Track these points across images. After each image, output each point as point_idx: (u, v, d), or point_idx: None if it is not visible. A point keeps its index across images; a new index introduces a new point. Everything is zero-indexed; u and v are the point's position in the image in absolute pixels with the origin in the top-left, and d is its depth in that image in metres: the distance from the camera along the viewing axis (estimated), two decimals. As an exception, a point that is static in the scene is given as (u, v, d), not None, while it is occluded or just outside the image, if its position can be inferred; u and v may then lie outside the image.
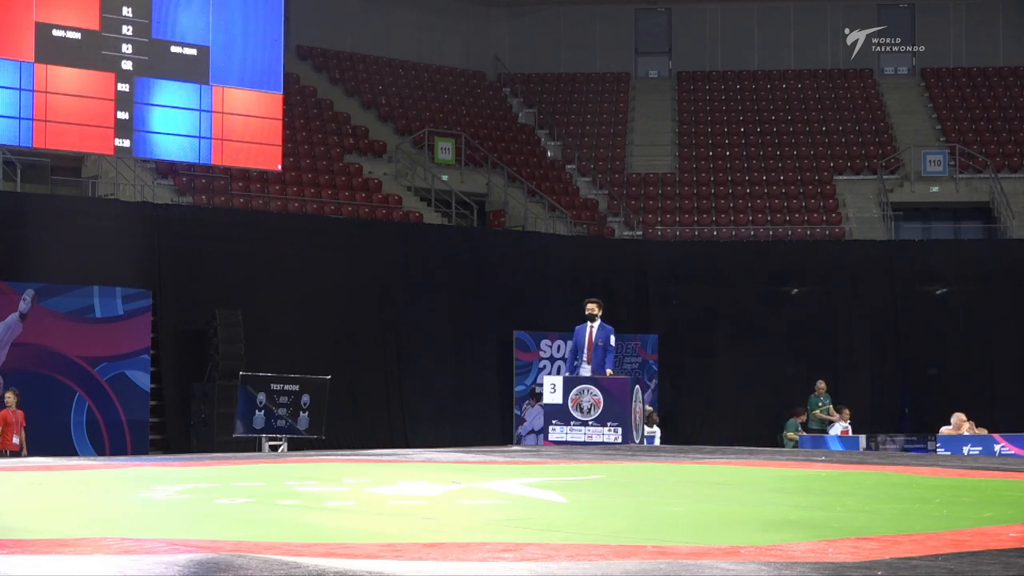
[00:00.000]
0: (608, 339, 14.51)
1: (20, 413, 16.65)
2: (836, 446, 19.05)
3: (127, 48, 18.36)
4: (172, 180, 22.53)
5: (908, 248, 26.09)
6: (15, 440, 16.43)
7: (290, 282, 20.57)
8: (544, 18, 33.96)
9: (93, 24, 18.10)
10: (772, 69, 33.26)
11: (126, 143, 18.49)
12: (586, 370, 14.33)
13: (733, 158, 30.34)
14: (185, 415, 19.41)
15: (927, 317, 24.47)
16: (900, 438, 21.83)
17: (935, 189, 29.03)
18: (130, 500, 6.93)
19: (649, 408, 19.55)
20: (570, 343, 14.92)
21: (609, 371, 14.35)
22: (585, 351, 14.40)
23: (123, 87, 18.31)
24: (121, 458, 14.13)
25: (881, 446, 20.38)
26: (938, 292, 24.90)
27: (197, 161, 19.70)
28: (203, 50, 19.01)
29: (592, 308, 14.44)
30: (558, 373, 21.08)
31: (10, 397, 16.56)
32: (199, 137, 19.03)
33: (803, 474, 9.07)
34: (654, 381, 23.71)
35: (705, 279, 24.63)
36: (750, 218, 28.14)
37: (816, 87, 32.97)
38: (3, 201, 18.97)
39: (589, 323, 14.44)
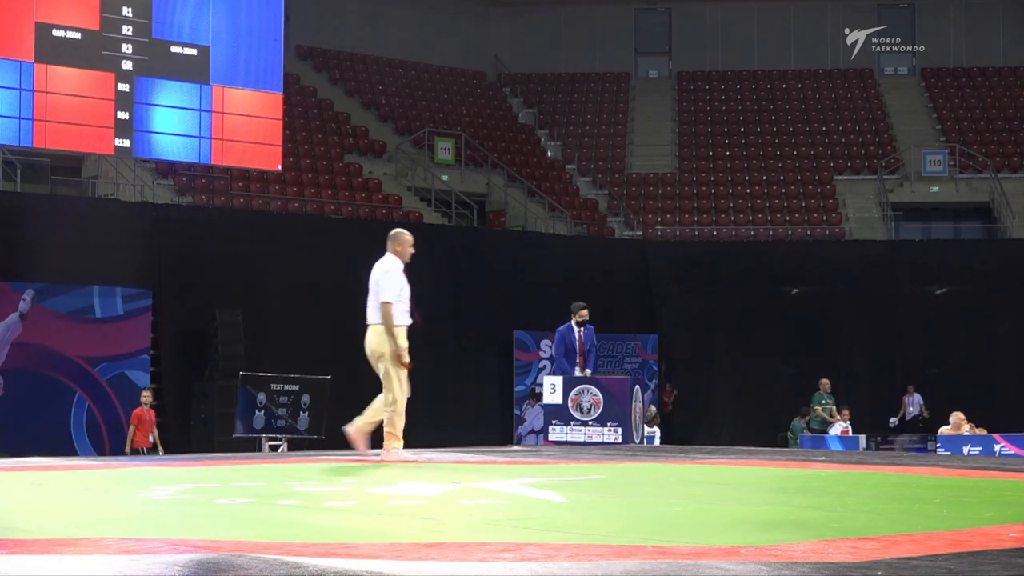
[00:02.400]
0: (594, 341, 14.67)
1: (152, 412, 16.93)
2: (836, 446, 19.05)
3: (127, 48, 18.36)
4: (172, 180, 22.53)
5: (908, 248, 26.11)
6: (149, 438, 16.77)
7: (290, 282, 20.56)
8: (544, 18, 33.96)
9: (93, 24, 18.10)
10: (772, 69, 33.26)
11: (126, 143, 18.49)
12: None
13: (733, 158, 30.34)
14: (185, 415, 19.40)
15: (927, 317, 24.48)
16: (901, 438, 21.84)
17: (935, 189, 29.04)
18: (130, 500, 6.92)
19: (652, 408, 19.55)
20: (557, 345, 14.90)
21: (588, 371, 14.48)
22: (578, 355, 14.47)
23: (123, 87, 18.31)
24: (121, 458, 14.13)
25: (880, 446, 20.40)
26: (938, 292, 24.91)
27: (197, 161, 19.70)
28: (203, 50, 19.01)
29: (585, 314, 14.52)
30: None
31: (146, 396, 16.86)
32: (199, 137, 19.03)
33: (803, 474, 9.06)
34: (654, 381, 23.71)
35: (705, 279, 24.63)
36: (750, 218, 28.14)
37: (816, 87, 32.97)
38: (3, 201, 18.97)
39: (578, 327, 14.49)
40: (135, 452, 16.49)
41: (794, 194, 28.89)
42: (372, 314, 9.86)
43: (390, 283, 9.80)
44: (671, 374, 24.62)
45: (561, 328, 14.68)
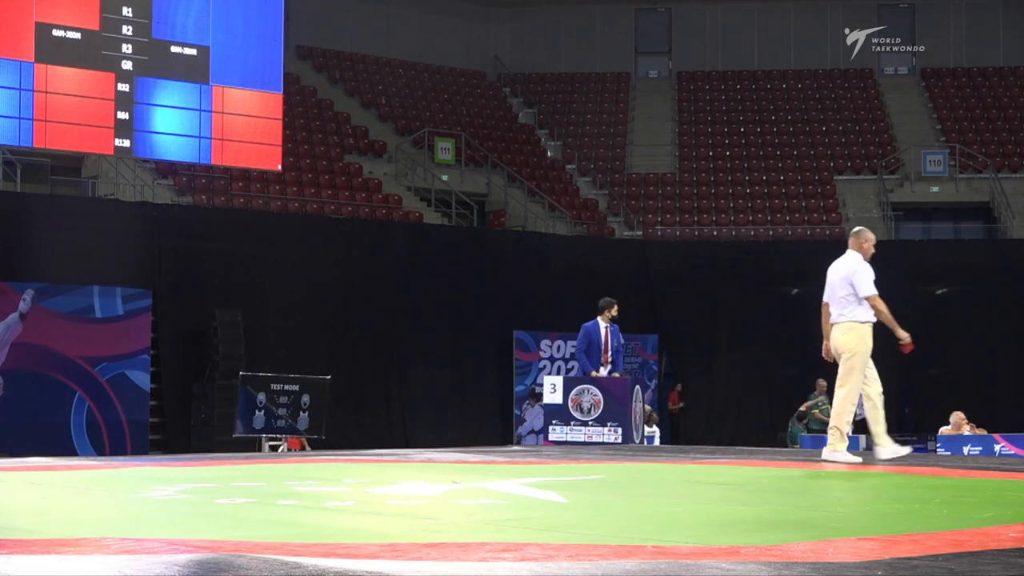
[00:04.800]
0: (621, 340, 14.46)
1: None
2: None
3: (127, 48, 18.37)
4: (172, 180, 22.53)
5: (908, 248, 26.08)
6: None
7: (290, 282, 20.56)
8: (544, 18, 33.96)
9: (93, 24, 18.10)
10: (772, 69, 33.25)
11: (126, 143, 18.50)
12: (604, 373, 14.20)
13: (733, 158, 30.33)
14: (185, 415, 19.40)
15: (927, 317, 24.44)
16: (900, 438, 21.78)
17: (935, 189, 29.03)
18: (130, 500, 6.92)
19: (647, 408, 19.54)
20: (580, 341, 14.52)
21: (616, 373, 14.31)
22: (602, 353, 14.19)
23: (123, 87, 18.32)
24: (121, 458, 14.12)
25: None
26: (938, 292, 24.89)
27: (197, 161, 19.71)
28: (203, 50, 19.02)
29: (616, 311, 14.29)
30: (558, 373, 21.00)
31: None
32: (199, 137, 19.04)
33: (803, 474, 9.07)
34: (654, 381, 23.71)
35: (705, 279, 24.62)
36: (750, 218, 28.13)
37: (816, 87, 32.96)
38: (3, 201, 18.98)
39: (604, 324, 14.20)
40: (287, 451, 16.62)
41: (794, 194, 28.89)
42: (836, 313, 10.05)
43: (865, 278, 10.00)
44: (679, 375, 24.63)
45: (587, 324, 14.27)
